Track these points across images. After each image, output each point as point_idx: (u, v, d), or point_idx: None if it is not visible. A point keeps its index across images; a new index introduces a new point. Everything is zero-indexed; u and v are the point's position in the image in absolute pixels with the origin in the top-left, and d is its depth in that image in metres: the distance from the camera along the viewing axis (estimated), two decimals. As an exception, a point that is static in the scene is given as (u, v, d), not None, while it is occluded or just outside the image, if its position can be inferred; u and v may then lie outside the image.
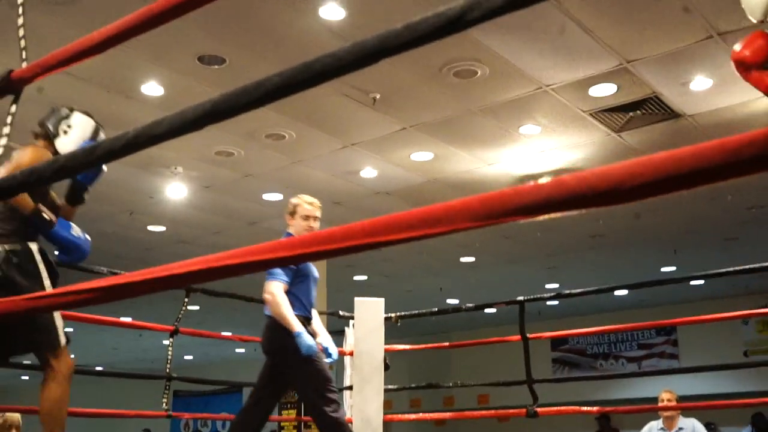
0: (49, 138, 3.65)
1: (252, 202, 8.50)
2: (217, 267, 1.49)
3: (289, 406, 8.97)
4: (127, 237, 9.67)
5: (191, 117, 1.49)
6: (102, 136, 3.80)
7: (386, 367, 5.83)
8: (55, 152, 3.61)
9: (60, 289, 1.69)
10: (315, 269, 4.43)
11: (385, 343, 5.82)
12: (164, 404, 5.51)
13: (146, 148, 1.65)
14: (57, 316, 3.52)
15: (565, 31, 5.13)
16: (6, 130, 1.98)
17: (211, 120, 1.49)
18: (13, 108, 2.03)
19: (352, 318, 6.39)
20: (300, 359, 4.01)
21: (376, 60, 1.28)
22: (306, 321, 4.21)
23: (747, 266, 5.29)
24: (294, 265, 4.07)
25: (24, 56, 2.07)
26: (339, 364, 8.46)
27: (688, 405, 6.34)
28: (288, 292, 4.16)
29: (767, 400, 5.45)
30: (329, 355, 4.24)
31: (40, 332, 3.46)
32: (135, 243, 9.90)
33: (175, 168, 7.48)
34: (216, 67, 5.61)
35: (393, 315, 6.17)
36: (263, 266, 1.45)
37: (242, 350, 17.84)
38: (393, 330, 6.12)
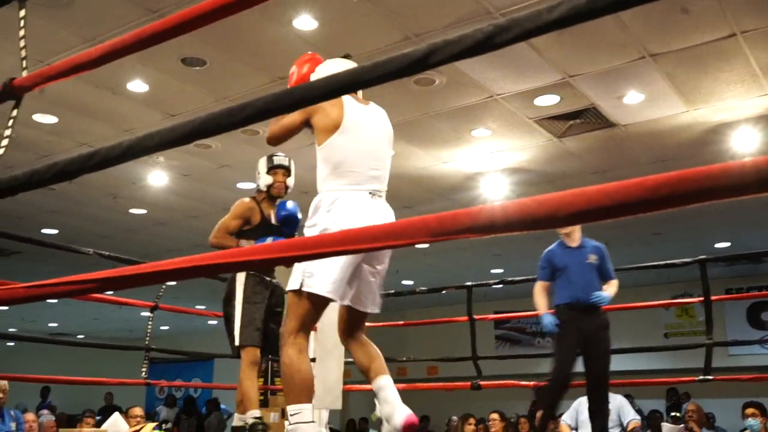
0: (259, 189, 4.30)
1: (227, 190, 8.46)
2: (202, 266, 1.51)
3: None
4: (111, 219, 9.56)
5: (180, 133, 1.52)
6: (275, 159, 4.29)
7: None
8: (260, 198, 4.26)
9: (56, 280, 1.71)
10: (581, 256, 4.68)
11: (346, 322, 5.85)
12: (143, 373, 5.51)
13: (138, 158, 1.67)
14: (237, 324, 3.87)
15: (515, 48, 5.19)
16: (7, 132, 1.98)
17: (198, 136, 1.52)
18: (15, 113, 2.02)
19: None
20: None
21: (348, 92, 1.32)
22: (571, 307, 4.55)
23: (668, 261, 5.47)
24: (547, 263, 4.81)
25: (24, 65, 2.06)
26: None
27: (614, 382, 6.50)
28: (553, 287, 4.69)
29: (680, 380, 5.64)
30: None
31: (228, 335, 3.91)
32: (118, 224, 9.79)
33: (157, 157, 7.42)
34: (197, 68, 5.58)
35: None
36: (247, 267, 1.48)
37: (214, 322, 17.74)
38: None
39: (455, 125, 6.61)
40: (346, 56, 2.95)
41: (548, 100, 6.07)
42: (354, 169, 2.63)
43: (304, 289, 2.57)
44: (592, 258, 4.62)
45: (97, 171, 1.72)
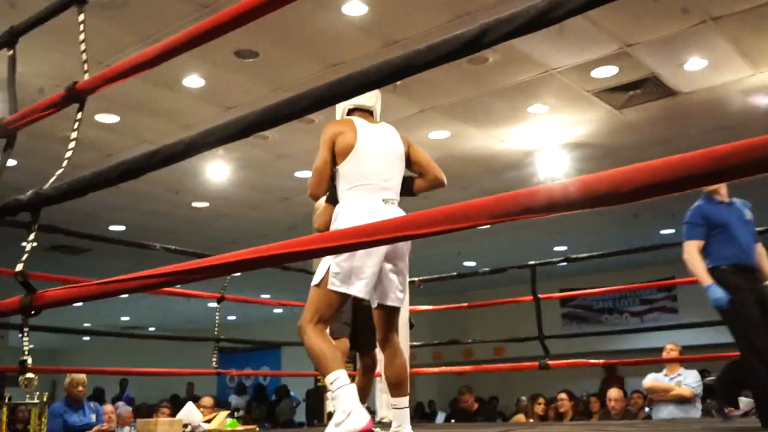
0: None
1: (285, 180, 8.57)
2: (266, 257, 1.53)
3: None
4: (175, 213, 9.80)
5: (239, 127, 1.54)
6: None
7: (411, 326, 5.91)
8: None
9: (127, 276, 1.77)
10: (738, 212, 4.07)
11: (410, 305, 5.89)
12: (213, 362, 5.66)
13: (199, 154, 1.71)
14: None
15: (569, 20, 5.09)
16: (74, 135, 2.04)
17: (256, 129, 1.54)
18: (79, 115, 2.09)
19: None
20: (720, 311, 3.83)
21: (402, 77, 1.32)
22: (738, 269, 3.88)
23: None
24: (703, 219, 4.02)
25: (86, 68, 2.12)
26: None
27: (685, 357, 6.37)
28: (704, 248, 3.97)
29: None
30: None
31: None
32: (182, 218, 10.03)
33: (217, 150, 7.56)
34: (251, 60, 5.65)
35: (416, 279, 6.24)
36: (305, 256, 1.50)
37: (280, 310, 18.03)
38: (416, 292, 6.19)
39: (511, 102, 6.53)
40: None
41: (606, 72, 5.94)
42: (367, 182, 2.95)
43: (331, 287, 2.82)
44: (749, 214, 4.11)
45: (161, 168, 1.76)
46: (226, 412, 6.70)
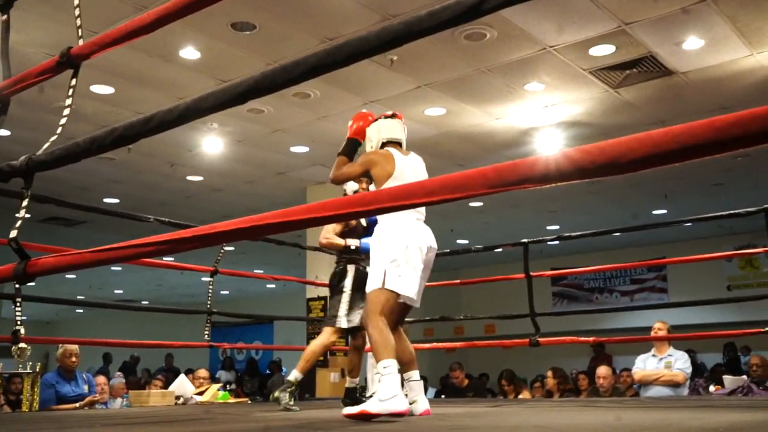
0: None
1: (280, 154, 8.54)
2: (260, 225, 1.52)
3: (316, 336, 9.12)
4: (170, 187, 9.76)
5: (234, 93, 1.52)
6: None
7: None
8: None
9: (120, 244, 1.75)
10: None
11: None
12: (206, 335, 5.64)
13: (194, 120, 1.68)
14: (343, 308, 4.34)
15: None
16: (68, 102, 2.01)
17: (252, 95, 1.52)
18: (73, 81, 2.05)
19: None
20: None
21: (402, 43, 1.30)
22: None
23: (732, 211, 5.30)
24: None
25: (80, 33, 2.08)
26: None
27: (675, 336, 6.40)
28: None
29: (744, 331, 5.51)
30: None
31: (330, 309, 4.46)
32: (176, 192, 9.99)
33: (212, 124, 7.51)
34: (247, 33, 5.59)
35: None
36: (299, 226, 1.48)
37: (272, 286, 18.07)
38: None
39: (508, 80, 6.50)
40: (393, 115, 3.70)
41: (604, 50, 5.90)
42: None
43: (389, 287, 3.33)
44: None
45: (155, 135, 1.74)
46: (218, 385, 6.73)
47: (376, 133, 3.62)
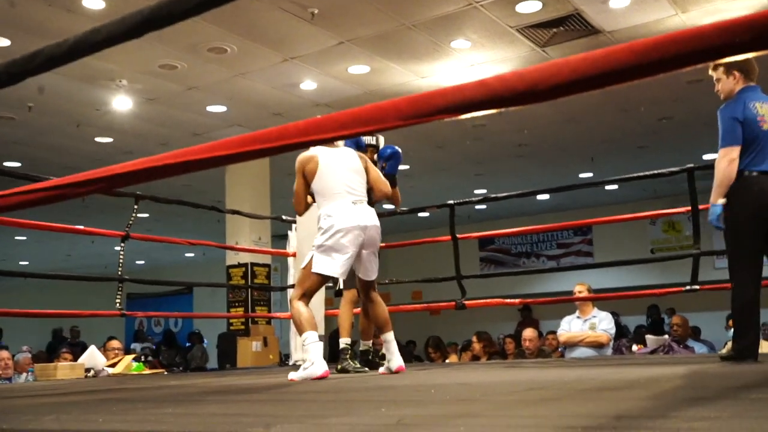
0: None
1: (196, 114, 8.31)
2: (159, 166, 1.45)
3: (237, 304, 9.02)
4: (77, 149, 9.39)
5: (130, 24, 1.43)
6: (363, 140, 4.69)
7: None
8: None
9: (17, 189, 1.66)
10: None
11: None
12: (117, 304, 5.48)
13: (87, 56, 1.58)
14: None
15: (494, -52, 5.03)
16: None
17: (149, 27, 1.43)
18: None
19: (295, 222, 6.41)
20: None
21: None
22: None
23: (655, 171, 5.45)
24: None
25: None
26: (283, 264, 8.51)
27: (599, 296, 6.59)
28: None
29: (666, 290, 5.71)
30: None
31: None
32: (83, 154, 9.61)
33: (120, 81, 7.23)
34: (157, -20, 5.36)
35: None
36: (203, 165, 1.43)
37: (191, 254, 17.74)
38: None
39: (433, 36, 6.47)
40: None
41: (530, 7, 5.94)
42: (335, 191, 3.96)
43: (316, 270, 3.84)
44: None
45: (44, 72, 1.63)
46: (131, 356, 6.57)
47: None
